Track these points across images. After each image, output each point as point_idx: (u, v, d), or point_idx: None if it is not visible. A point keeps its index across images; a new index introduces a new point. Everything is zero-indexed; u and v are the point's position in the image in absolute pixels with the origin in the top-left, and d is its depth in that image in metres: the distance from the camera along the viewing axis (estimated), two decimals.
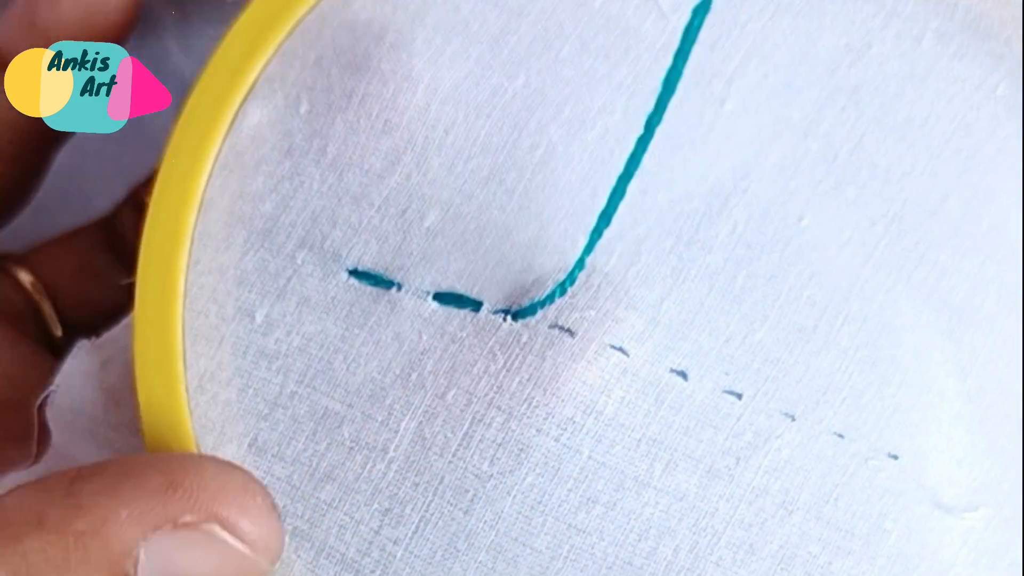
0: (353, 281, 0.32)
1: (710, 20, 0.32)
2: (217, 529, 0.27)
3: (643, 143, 0.30)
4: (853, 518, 0.29)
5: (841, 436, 0.29)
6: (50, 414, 0.33)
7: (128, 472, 0.27)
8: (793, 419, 0.29)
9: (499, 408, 0.30)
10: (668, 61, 0.31)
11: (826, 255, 0.30)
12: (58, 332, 0.37)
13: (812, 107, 0.31)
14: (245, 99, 0.33)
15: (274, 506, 0.27)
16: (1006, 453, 0.30)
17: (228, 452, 0.32)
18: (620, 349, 0.29)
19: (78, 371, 0.34)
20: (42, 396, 0.33)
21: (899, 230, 0.31)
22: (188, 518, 0.26)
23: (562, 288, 0.30)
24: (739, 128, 0.31)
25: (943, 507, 0.29)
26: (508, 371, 0.30)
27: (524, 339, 0.30)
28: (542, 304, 0.30)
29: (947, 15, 0.32)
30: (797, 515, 0.29)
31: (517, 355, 0.30)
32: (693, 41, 0.30)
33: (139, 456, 0.27)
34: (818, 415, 0.29)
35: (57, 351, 0.34)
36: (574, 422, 0.29)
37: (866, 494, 0.29)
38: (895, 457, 0.29)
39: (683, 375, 0.29)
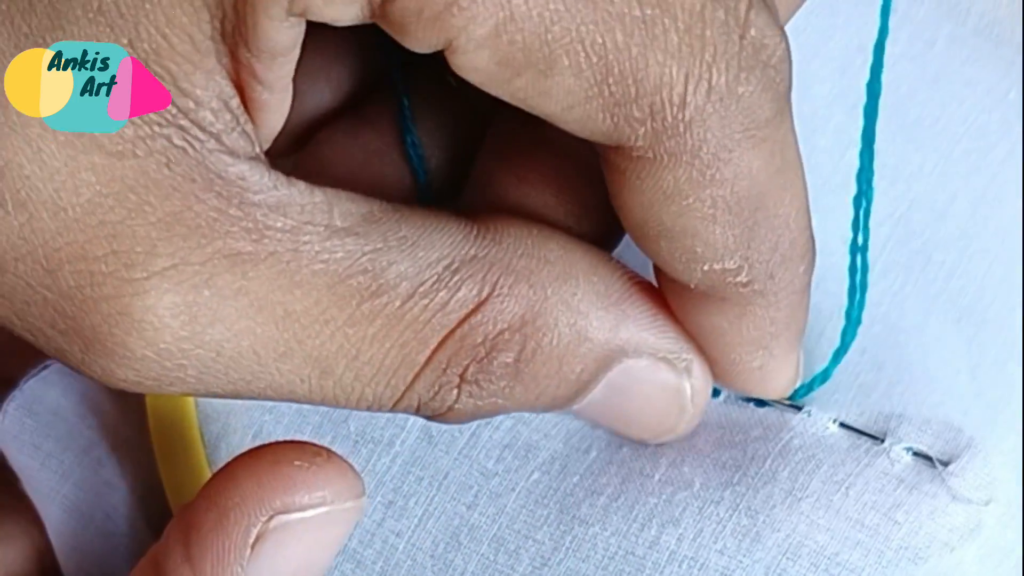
0: None
1: None
2: (285, 518, 0.26)
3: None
4: (864, 508, 0.28)
5: (852, 429, 0.29)
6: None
7: (188, 527, 0.26)
8: (809, 415, 0.29)
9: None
10: None
11: (833, 256, 0.30)
12: None
13: (821, 104, 0.31)
14: None
15: (317, 451, 0.26)
16: (1017, 451, 0.29)
17: (232, 443, 0.32)
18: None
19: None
20: None
21: (907, 231, 0.31)
22: (255, 531, 0.26)
23: None
24: None
25: (957, 500, 0.29)
26: None
27: None
28: None
29: (960, 21, 0.32)
30: (806, 503, 0.28)
31: None
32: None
33: (185, 506, 0.27)
34: (829, 411, 0.29)
35: None
36: (585, 428, 0.30)
37: (880, 484, 0.28)
38: (908, 450, 0.29)
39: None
